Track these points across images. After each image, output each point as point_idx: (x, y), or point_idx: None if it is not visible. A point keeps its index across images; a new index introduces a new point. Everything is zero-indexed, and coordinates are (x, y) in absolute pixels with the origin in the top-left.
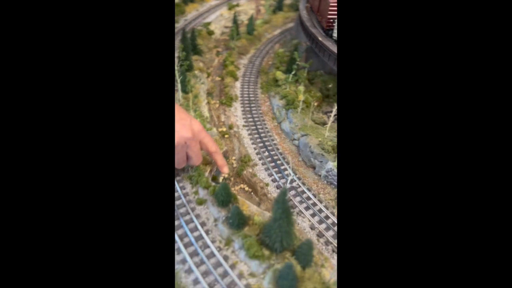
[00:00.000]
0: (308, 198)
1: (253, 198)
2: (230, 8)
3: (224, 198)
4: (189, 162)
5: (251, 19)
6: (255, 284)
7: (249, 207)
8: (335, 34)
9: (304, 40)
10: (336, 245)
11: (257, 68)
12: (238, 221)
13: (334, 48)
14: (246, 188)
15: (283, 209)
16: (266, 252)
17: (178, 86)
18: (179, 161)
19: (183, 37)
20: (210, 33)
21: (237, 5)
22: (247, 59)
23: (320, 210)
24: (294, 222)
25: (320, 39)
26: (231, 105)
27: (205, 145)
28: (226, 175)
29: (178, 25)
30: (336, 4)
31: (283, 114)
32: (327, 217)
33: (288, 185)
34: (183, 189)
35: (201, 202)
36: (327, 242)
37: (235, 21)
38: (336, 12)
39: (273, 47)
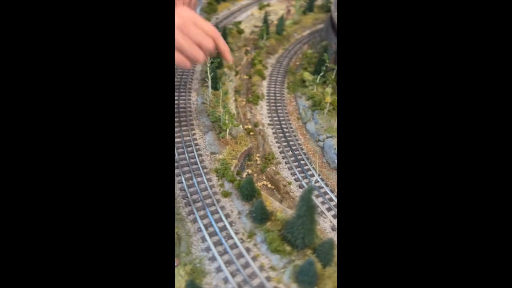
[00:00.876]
0: (331, 199)
1: (276, 195)
2: (260, 8)
3: (249, 193)
4: (203, 49)
5: (281, 19)
6: (275, 278)
7: (272, 203)
8: None
9: (334, 41)
10: None
11: (285, 68)
12: (261, 215)
13: None
14: (269, 185)
15: (307, 207)
16: (288, 248)
17: (209, 82)
18: (192, 52)
19: None
20: (240, 31)
21: (268, 5)
22: (275, 59)
23: None
24: (317, 221)
25: None
26: (257, 103)
27: (201, 27)
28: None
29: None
30: None
31: (308, 115)
32: None
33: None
34: (209, 181)
35: (226, 194)
36: None
37: (265, 20)
38: None
39: (302, 47)
